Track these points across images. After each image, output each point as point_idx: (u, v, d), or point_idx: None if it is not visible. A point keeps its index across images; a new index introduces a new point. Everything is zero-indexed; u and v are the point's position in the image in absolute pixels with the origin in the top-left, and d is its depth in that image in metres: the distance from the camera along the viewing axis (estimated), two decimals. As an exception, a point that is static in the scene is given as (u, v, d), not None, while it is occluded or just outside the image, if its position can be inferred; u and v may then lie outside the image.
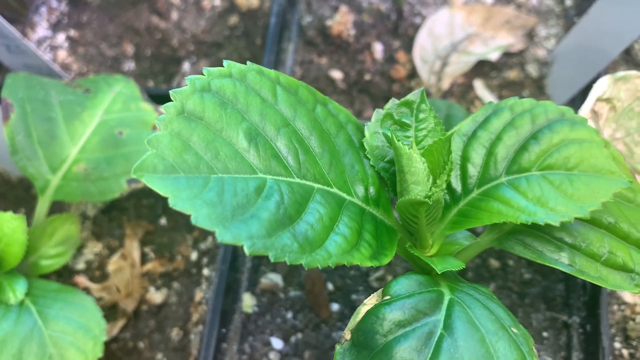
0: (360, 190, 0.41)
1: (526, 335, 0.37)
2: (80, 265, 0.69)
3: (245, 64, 0.78)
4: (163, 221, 0.70)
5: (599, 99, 0.52)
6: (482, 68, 0.75)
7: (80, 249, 0.69)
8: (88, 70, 0.79)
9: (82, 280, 0.68)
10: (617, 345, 0.63)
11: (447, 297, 0.37)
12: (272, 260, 0.31)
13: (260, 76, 0.39)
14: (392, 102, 0.44)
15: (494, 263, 0.64)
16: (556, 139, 0.41)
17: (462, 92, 0.73)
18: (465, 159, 0.44)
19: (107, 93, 0.62)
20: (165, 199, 0.71)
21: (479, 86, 0.72)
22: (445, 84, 0.71)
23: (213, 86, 0.36)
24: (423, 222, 0.40)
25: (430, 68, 0.72)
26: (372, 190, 0.42)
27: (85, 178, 0.58)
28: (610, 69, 0.74)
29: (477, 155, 0.43)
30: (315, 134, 0.40)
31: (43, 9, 0.83)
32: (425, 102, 0.43)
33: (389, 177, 0.43)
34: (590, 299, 0.61)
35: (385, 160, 0.43)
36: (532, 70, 0.75)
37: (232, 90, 0.36)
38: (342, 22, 0.76)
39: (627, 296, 0.65)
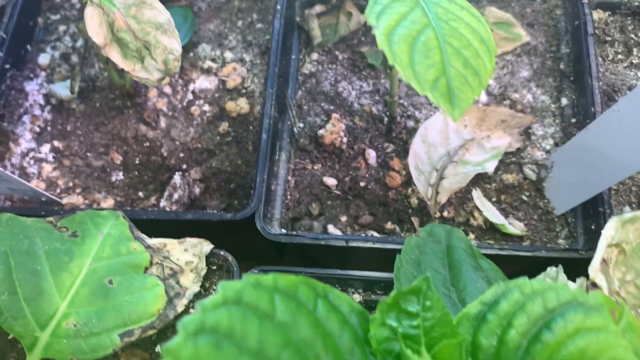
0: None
1: None
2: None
3: (237, 172, 0.75)
4: None
5: (608, 246, 0.51)
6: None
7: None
8: (74, 185, 0.77)
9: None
10: None
11: None
12: None
13: (256, 290, 0.36)
14: (398, 291, 0.42)
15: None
16: (570, 328, 0.39)
17: (460, 202, 0.72)
18: (476, 346, 0.41)
19: (95, 237, 0.60)
20: None
21: (477, 196, 0.71)
22: (443, 198, 0.69)
23: (207, 324, 0.33)
24: None
25: (426, 180, 0.70)
26: (379, 390, 0.40)
27: (75, 334, 0.55)
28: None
29: (488, 343, 0.41)
30: (318, 342, 0.37)
31: (26, 118, 0.81)
32: (431, 290, 0.41)
33: (398, 372, 0.41)
34: None
35: (394, 354, 0.41)
36: (530, 172, 0.73)
37: (227, 320, 0.34)
38: (334, 131, 0.74)
39: None
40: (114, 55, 0.62)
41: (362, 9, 0.84)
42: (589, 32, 0.73)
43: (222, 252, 0.66)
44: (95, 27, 0.61)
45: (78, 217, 0.62)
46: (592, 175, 0.63)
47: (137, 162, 0.78)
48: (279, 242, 0.66)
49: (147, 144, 0.79)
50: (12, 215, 0.61)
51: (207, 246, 0.65)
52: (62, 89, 0.77)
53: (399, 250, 0.59)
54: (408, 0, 0.51)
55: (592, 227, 0.66)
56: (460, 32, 0.49)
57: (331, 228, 0.72)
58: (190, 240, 0.66)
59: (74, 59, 0.84)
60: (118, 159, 0.79)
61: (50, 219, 0.63)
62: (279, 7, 0.78)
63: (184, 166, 0.78)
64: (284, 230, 0.71)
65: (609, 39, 0.79)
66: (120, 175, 0.78)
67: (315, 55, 0.83)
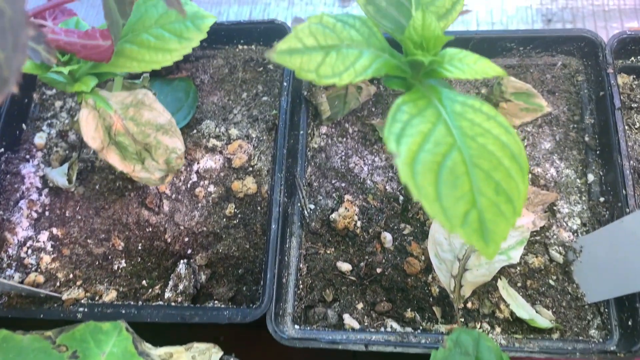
0: None
1: None
2: None
3: (245, 256, 0.71)
4: None
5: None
6: (503, 256, 0.69)
7: None
8: (75, 277, 0.72)
9: None
10: None
11: None
12: None
13: None
14: None
15: None
16: None
17: (484, 291, 0.67)
18: None
19: (97, 357, 0.56)
20: None
21: (503, 286, 0.66)
22: (467, 291, 0.65)
23: None
24: None
25: (448, 269, 0.65)
26: None
27: None
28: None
29: None
30: None
31: (22, 203, 0.77)
32: None
33: None
34: None
35: None
36: (557, 254, 0.69)
37: None
38: (347, 215, 0.70)
39: None
40: (112, 158, 0.58)
41: (371, 80, 0.80)
42: (617, 105, 0.69)
43: (232, 358, 0.62)
44: (91, 131, 0.57)
45: (78, 332, 0.58)
46: (628, 271, 0.58)
47: (139, 248, 0.74)
48: (293, 346, 0.62)
49: (150, 229, 0.75)
50: (7, 333, 0.57)
51: (215, 354, 0.61)
52: (59, 177, 0.73)
53: (424, 356, 0.55)
54: (429, 114, 0.47)
55: (629, 323, 0.62)
56: (489, 149, 0.45)
57: (347, 318, 0.68)
58: (198, 346, 0.62)
59: (72, 137, 0.80)
60: (120, 245, 0.75)
61: (49, 333, 0.59)
62: (285, 83, 0.74)
63: (189, 251, 0.74)
64: (297, 327, 0.67)
65: (635, 105, 0.74)
66: (123, 263, 0.74)
67: (324, 129, 0.78)
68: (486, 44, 0.76)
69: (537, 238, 0.71)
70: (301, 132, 0.77)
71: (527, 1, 1.26)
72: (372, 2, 0.53)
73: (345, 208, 0.70)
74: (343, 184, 0.75)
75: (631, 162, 0.68)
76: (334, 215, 0.70)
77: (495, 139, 0.46)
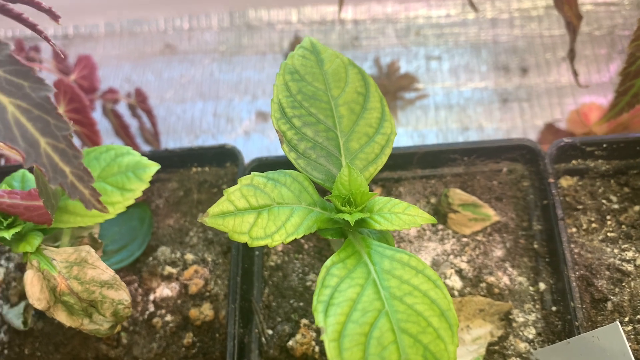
0: None
1: None
2: None
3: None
4: None
5: None
6: (462, 372, 0.69)
7: None
8: (34, 420, 0.72)
9: None
10: None
11: None
12: None
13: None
14: None
15: None
16: None
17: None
18: None
19: None
20: None
21: (463, 407, 0.66)
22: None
23: None
24: None
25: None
26: None
27: None
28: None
29: None
30: None
31: (-19, 343, 0.77)
32: None
33: None
34: None
35: None
36: (516, 366, 0.69)
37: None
38: (304, 342, 0.70)
39: None
40: (60, 315, 0.59)
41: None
42: (559, 216, 0.70)
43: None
44: (36, 293, 0.57)
45: None
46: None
47: (100, 384, 0.74)
48: None
49: (110, 363, 0.74)
50: None
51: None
52: (15, 319, 0.73)
53: None
54: (358, 275, 0.47)
55: None
56: (417, 309, 0.46)
57: None
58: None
59: (30, 269, 0.80)
60: (80, 382, 0.74)
61: None
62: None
63: (150, 384, 0.73)
64: None
65: (580, 207, 0.76)
66: (84, 401, 0.73)
67: (280, 246, 0.79)
68: (430, 157, 0.78)
69: (496, 348, 0.71)
70: (257, 252, 0.77)
71: (482, 83, 1.30)
72: (302, 157, 0.55)
73: (302, 334, 0.70)
74: (301, 304, 0.75)
75: (578, 272, 0.69)
76: (291, 343, 0.70)
77: (424, 296, 0.47)
